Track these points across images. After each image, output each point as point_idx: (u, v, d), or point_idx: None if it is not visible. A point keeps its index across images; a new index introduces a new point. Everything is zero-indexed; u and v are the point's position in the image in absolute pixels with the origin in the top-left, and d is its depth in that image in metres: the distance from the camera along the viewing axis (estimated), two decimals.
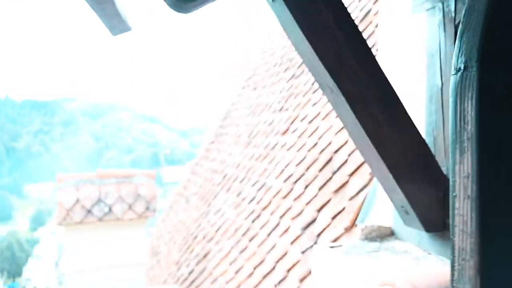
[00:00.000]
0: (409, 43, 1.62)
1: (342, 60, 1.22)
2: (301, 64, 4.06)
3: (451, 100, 0.46)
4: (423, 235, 1.46)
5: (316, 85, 3.34)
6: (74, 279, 3.19)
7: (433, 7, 1.42)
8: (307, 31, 1.18)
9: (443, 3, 1.38)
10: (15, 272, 68.97)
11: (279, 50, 5.35)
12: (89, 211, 3.21)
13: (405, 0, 1.59)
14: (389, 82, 1.28)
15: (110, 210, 3.28)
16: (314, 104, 3.17)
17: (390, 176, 1.30)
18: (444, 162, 1.35)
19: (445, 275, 0.86)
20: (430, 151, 1.34)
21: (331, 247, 1.54)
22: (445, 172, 1.35)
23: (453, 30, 1.32)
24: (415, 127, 1.33)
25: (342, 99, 1.24)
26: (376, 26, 2.57)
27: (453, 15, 1.32)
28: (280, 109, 3.89)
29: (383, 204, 1.83)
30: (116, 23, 1.33)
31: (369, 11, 2.88)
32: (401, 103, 1.30)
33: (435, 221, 1.35)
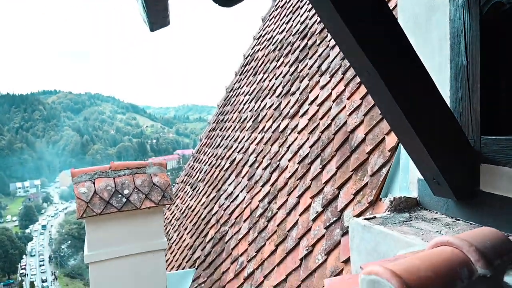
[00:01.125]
0: (428, 24, 1.70)
1: (380, 45, 1.31)
2: (303, 48, 4.12)
3: None
4: (450, 203, 1.59)
5: (323, 68, 3.42)
6: (99, 269, 3.28)
7: None
8: (347, 19, 1.26)
9: None
10: (9, 270, 68.84)
11: (277, 34, 5.37)
12: (108, 203, 3.27)
13: None
14: (422, 63, 1.37)
15: (128, 200, 3.35)
16: (323, 87, 3.25)
17: (424, 150, 1.41)
18: (472, 135, 1.46)
19: (489, 232, 0.97)
20: (459, 125, 1.45)
21: (366, 219, 1.66)
22: (472, 144, 1.46)
23: (478, 11, 1.41)
24: (446, 104, 1.43)
25: (380, 82, 1.33)
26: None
27: None
28: (286, 93, 3.96)
29: (404, 178, 1.96)
30: (160, 18, 1.37)
31: None
32: (432, 81, 1.40)
33: (465, 190, 1.47)
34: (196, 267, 4.01)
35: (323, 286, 2.10)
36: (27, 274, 70.98)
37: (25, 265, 73.47)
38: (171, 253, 5.21)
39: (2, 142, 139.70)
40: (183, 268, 4.33)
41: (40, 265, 74.98)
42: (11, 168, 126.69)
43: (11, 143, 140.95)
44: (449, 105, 1.54)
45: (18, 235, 78.06)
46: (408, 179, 1.86)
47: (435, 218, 1.60)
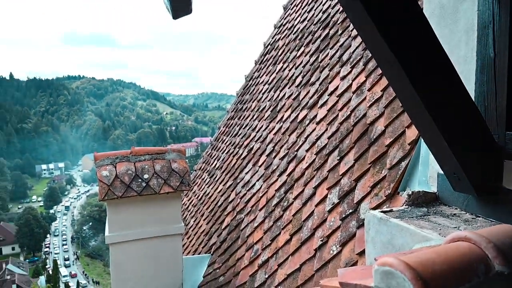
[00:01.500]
0: (454, 14, 1.64)
1: (403, 34, 1.28)
2: (325, 37, 4.06)
3: None
4: (470, 199, 1.56)
5: (345, 58, 3.36)
6: (119, 250, 3.40)
7: None
8: (368, 6, 1.24)
9: None
10: (34, 248, 72.22)
11: (298, 23, 5.30)
12: (128, 186, 3.36)
13: None
14: (446, 54, 1.34)
15: (147, 185, 3.44)
16: (343, 78, 3.21)
17: (446, 144, 1.38)
18: (496, 130, 1.42)
19: (509, 229, 0.96)
20: (483, 120, 1.42)
21: (383, 211, 1.65)
22: (496, 140, 1.43)
23: (509, 1, 1.36)
24: (470, 97, 1.39)
25: (401, 72, 1.31)
26: None
27: None
28: (306, 83, 3.93)
29: (424, 172, 1.93)
30: (184, 6, 1.39)
31: None
32: (456, 73, 1.36)
33: (487, 186, 1.44)
34: (211, 252, 4.09)
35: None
36: (51, 253, 74.12)
37: (49, 244, 76.70)
38: (187, 238, 5.32)
39: (29, 125, 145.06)
40: (199, 253, 4.43)
41: (63, 245, 78.14)
42: (37, 150, 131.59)
43: (37, 126, 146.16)
44: (473, 98, 1.50)
45: (42, 215, 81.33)
46: (428, 173, 1.83)
47: (454, 214, 1.58)
